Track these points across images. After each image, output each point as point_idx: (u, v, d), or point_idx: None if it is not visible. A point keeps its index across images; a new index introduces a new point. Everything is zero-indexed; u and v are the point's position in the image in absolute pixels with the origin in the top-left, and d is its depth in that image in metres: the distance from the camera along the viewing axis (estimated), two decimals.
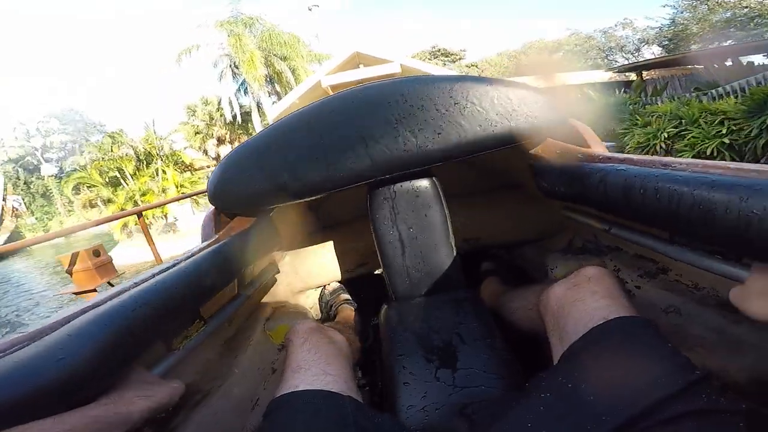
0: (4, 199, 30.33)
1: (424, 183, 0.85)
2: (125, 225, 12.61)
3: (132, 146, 12.98)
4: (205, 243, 0.76)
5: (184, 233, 11.55)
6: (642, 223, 0.63)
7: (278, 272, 1.07)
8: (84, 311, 0.49)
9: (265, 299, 1.02)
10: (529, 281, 1.09)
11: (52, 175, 29.57)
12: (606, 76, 14.25)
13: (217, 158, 18.74)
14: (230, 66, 15.47)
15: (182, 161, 14.74)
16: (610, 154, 0.69)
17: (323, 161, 0.75)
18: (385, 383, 0.69)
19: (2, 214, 29.47)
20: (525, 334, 0.75)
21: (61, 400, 0.40)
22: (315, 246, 1.20)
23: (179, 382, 0.55)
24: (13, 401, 0.36)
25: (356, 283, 1.25)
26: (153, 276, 0.59)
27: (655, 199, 0.51)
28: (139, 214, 2.77)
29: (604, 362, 0.45)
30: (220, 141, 18.55)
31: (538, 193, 0.90)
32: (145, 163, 13.43)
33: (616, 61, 21.44)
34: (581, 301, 0.54)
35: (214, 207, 0.87)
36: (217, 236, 0.80)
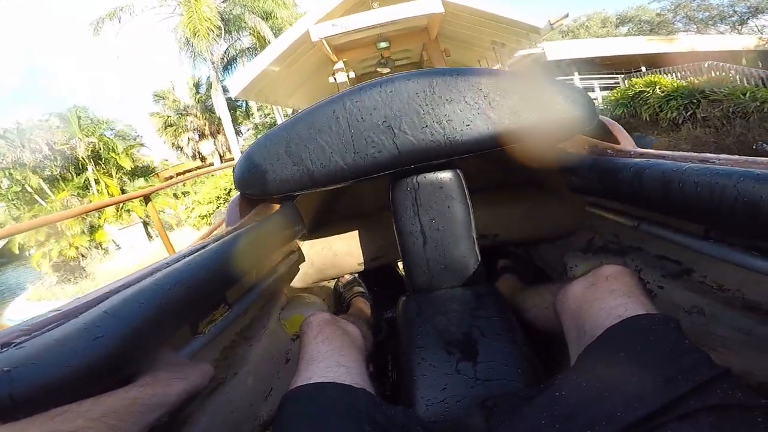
0: None
1: (448, 175, 0.84)
2: None
3: (33, 147, 8.90)
4: (231, 227, 0.76)
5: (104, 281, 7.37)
6: (678, 217, 0.61)
7: (296, 261, 1.04)
8: (119, 289, 0.47)
9: (280, 288, 0.98)
10: (545, 280, 1.09)
11: None
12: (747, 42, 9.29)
13: (197, 156, 14.80)
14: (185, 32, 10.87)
15: (145, 165, 10.61)
16: (642, 150, 0.70)
17: (350, 149, 0.76)
18: (402, 375, 0.68)
19: None
20: (541, 333, 0.75)
21: (98, 381, 0.39)
22: (330, 237, 1.17)
23: (208, 365, 0.54)
24: (50, 381, 0.35)
25: (370, 275, 1.23)
26: (183, 257, 0.58)
27: (695, 192, 0.50)
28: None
29: (621, 360, 0.44)
30: (202, 134, 14.52)
31: (558, 189, 1.00)
32: (72, 169, 9.40)
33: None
34: (599, 300, 0.53)
35: (239, 193, 0.88)
36: (242, 221, 0.80)
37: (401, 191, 0.85)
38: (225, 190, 8.45)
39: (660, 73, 7.69)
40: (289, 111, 12.32)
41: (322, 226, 1.21)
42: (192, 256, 0.58)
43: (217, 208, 8.45)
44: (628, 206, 0.75)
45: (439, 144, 0.75)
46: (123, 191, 9.71)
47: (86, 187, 9.49)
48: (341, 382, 0.51)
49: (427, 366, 0.64)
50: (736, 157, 0.51)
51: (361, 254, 1.16)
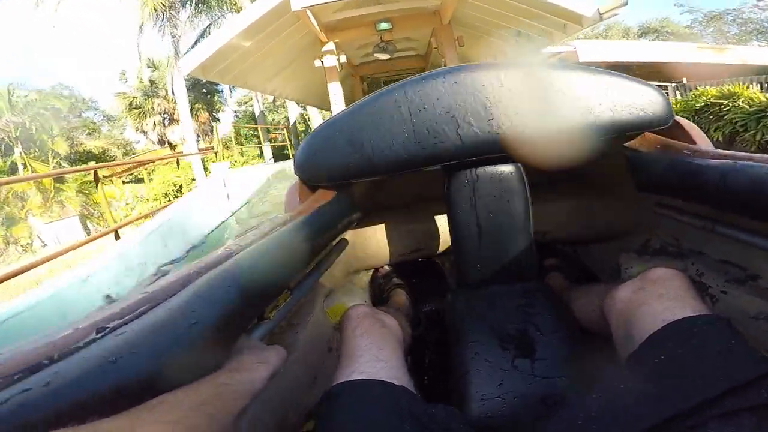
0: None
1: (509, 168, 0.81)
2: None
3: None
4: (291, 213, 0.75)
5: None
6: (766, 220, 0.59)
7: (342, 249, 1.00)
8: (201, 272, 0.46)
9: (324, 276, 0.93)
10: (592, 280, 1.08)
11: None
12: None
13: (162, 142, 13.01)
14: None
15: (86, 151, 8.86)
16: (724, 152, 0.67)
17: (411, 139, 0.74)
18: (453, 370, 0.68)
19: None
20: (588, 335, 0.73)
21: (192, 368, 0.38)
22: (374, 227, 1.15)
23: (282, 348, 0.53)
24: (151, 371, 0.33)
25: (410, 267, 1.23)
26: (253, 242, 0.58)
27: None
28: None
29: (663, 364, 0.44)
30: (171, 119, 12.71)
31: (614, 188, 0.99)
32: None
33: None
34: (646, 305, 0.52)
35: (298, 179, 0.87)
36: (300, 208, 0.79)
37: (459, 183, 0.82)
38: (175, 186, 6.82)
39: (706, 86, 6.27)
40: (270, 98, 10.87)
41: (366, 215, 1.14)
42: (260, 242, 0.58)
43: (164, 207, 6.82)
44: (706, 208, 0.71)
45: (505, 137, 0.72)
46: (61, 180, 7.99)
47: (13, 172, 7.77)
48: (380, 379, 0.50)
49: (481, 361, 0.63)
50: None
51: (403, 246, 1.14)
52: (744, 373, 0.37)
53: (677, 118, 0.78)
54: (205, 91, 12.54)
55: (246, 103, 16.75)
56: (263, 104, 9.84)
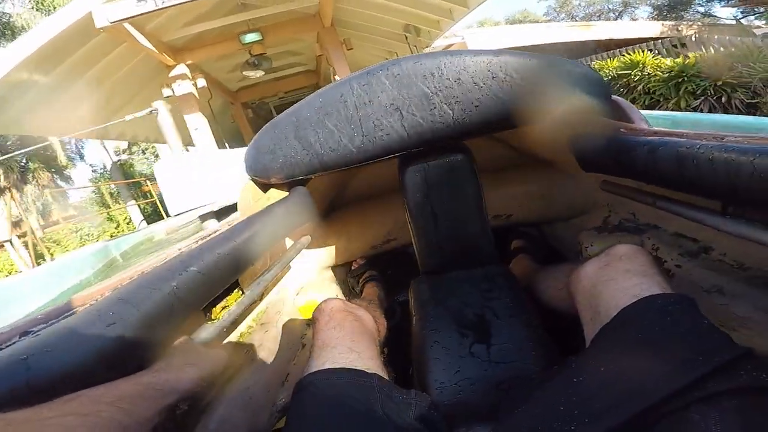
0: None
1: (458, 156, 0.83)
2: None
3: None
4: (243, 213, 0.78)
5: None
6: (694, 193, 0.58)
7: (309, 245, 1.01)
8: (133, 276, 0.49)
9: (294, 273, 1.00)
10: (560, 260, 1.09)
11: None
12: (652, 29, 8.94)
13: (14, 224, 9.68)
14: None
15: None
16: (656, 129, 0.68)
17: (359, 133, 0.75)
18: (415, 358, 0.69)
19: None
20: (555, 314, 0.74)
21: (112, 367, 0.39)
22: (343, 221, 1.17)
23: (222, 351, 0.55)
24: (66, 368, 0.35)
25: (383, 259, 1.22)
26: (196, 242, 0.60)
27: (710, 169, 0.48)
28: None
29: (637, 342, 0.43)
30: (2, 191, 9.45)
31: (571, 169, 0.94)
32: None
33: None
34: (613, 280, 0.52)
35: (250, 179, 0.86)
36: (253, 207, 0.81)
37: (411, 173, 0.83)
38: None
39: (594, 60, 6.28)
40: (123, 144, 8.81)
41: (334, 210, 1.19)
42: (203, 242, 0.58)
43: None
44: (643, 184, 0.71)
45: (448, 125, 0.73)
46: None
47: None
48: (353, 368, 0.50)
49: (440, 348, 0.64)
50: (752, 134, 0.51)
51: (374, 237, 1.14)
52: (721, 355, 0.37)
53: (614, 97, 0.79)
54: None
55: (122, 152, 13.73)
56: (122, 151, 7.74)
